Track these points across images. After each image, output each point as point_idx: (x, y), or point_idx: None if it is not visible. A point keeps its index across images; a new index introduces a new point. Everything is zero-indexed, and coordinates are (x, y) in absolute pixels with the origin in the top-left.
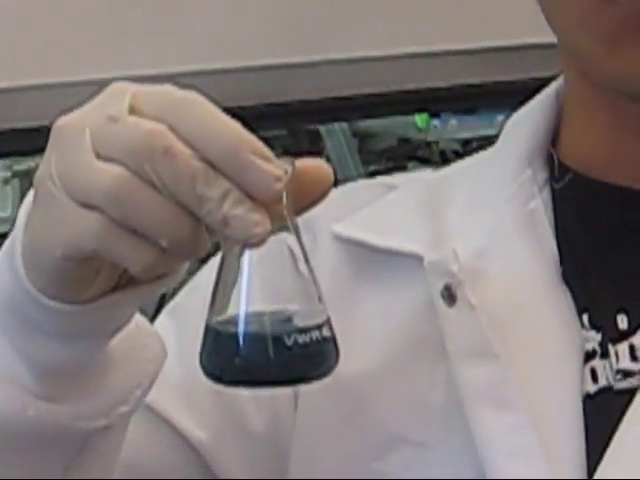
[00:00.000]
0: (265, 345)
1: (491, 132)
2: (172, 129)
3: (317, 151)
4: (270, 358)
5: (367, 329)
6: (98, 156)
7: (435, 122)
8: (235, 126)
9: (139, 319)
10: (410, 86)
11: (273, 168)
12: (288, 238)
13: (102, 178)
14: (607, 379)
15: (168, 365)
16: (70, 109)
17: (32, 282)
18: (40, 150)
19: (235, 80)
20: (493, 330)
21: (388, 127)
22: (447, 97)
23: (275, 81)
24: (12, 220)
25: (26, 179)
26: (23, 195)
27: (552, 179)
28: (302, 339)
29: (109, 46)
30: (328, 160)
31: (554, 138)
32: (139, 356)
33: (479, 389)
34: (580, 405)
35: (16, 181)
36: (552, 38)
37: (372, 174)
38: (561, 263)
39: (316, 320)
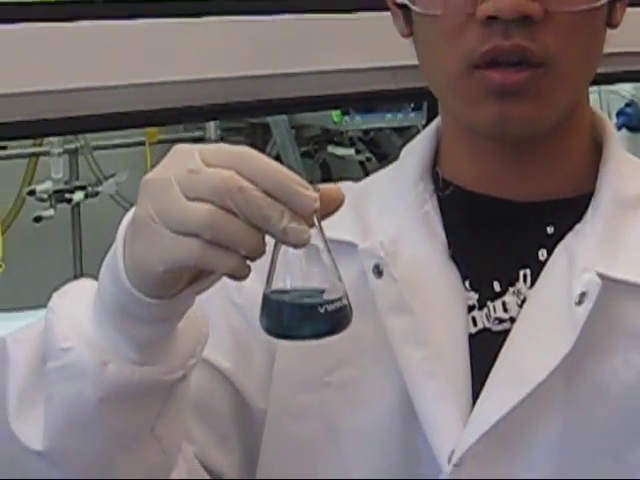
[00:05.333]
0: (304, 312)
1: (383, 125)
2: (239, 173)
3: (266, 140)
4: (308, 321)
5: None
6: (187, 198)
7: (346, 118)
8: (280, 166)
9: None
10: (329, 92)
11: (312, 193)
12: (316, 239)
13: (197, 213)
14: (484, 324)
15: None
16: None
17: (136, 288)
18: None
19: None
20: (408, 293)
21: (314, 121)
22: (353, 100)
23: (240, 88)
24: (62, 180)
25: (73, 155)
26: (71, 166)
27: (438, 189)
28: (330, 307)
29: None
30: (274, 144)
31: (437, 160)
32: (197, 324)
33: (401, 332)
34: (466, 341)
35: (66, 156)
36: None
37: (304, 153)
38: (449, 247)
39: (338, 294)
